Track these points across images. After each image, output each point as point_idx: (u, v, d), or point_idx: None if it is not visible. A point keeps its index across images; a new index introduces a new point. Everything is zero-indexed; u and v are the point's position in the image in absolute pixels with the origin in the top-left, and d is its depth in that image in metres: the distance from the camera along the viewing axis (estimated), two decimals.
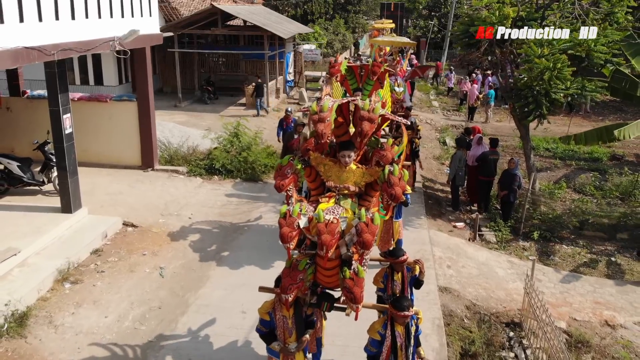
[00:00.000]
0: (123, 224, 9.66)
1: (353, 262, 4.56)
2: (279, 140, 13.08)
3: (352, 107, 5.00)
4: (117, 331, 6.82)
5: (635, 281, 9.31)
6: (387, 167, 4.63)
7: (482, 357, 6.78)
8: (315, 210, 4.49)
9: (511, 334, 7.40)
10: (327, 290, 5.09)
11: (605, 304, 8.46)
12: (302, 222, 4.39)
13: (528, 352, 7.01)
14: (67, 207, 9.31)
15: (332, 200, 4.75)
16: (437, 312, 7.39)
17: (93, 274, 8.07)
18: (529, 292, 7.30)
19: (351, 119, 5.04)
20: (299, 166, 4.81)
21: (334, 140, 5.07)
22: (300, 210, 4.39)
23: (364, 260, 4.66)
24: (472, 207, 11.68)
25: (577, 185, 13.71)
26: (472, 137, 12.13)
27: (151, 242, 9.19)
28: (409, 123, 7.88)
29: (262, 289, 5.35)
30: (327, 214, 4.40)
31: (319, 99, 4.78)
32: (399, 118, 5.60)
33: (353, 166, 4.84)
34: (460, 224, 10.92)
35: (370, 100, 4.69)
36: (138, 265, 8.41)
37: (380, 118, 4.82)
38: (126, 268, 8.31)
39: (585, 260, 9.98)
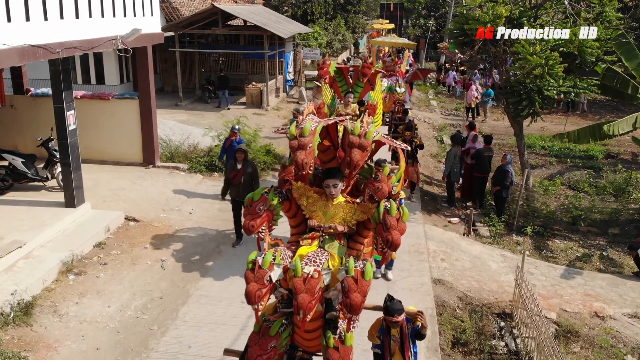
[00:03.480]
0: (125, 218, 9.87)
1: (339, 322, 3.75)
2: (220, 164, 11.77)
3: (340, 130, 4.23)
4: (120, 320, 7.05)
5: (626, 274, 9.53)
6: (383, 204, 3.78)
7: (473, 346, 6.99)
8: (293, 256, 3.70)
9: (502, 323, 7.60)
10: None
11: (595, 296, 8.66)
12: (276, 274, 3.52)
13: (518, 340, 7.22)
14: (71, 201, 9.50)
15: (316, 242, 3.93)
16: (430, 303, 7.61)
17: (96, 266, 8.30)
18: (519, 283, 7.51)
19: (340, 142, 4.26)
20: (275, 201, 3.91)
21: (319, 168, 4.27)
22: (274, 259, 3.54)
23: (353, 323, 3.65)
24: (467, 204, 11.89)
25: (572, 182, 13.91)
26: (467, 134, 12.33)
27: (153, 236, 9.41)
28: (408, 148, 6.88)
29: (227, 352, 4.48)
30: (306, 264, 3.51)
31: (298, 120, 3.93)
32: (397, 143, 4.71)
33: (342, 199, 4.04)
34: (455, 219, 11.13)
35: (362, 123, 3.89)
36: (140, 258, 8.64)
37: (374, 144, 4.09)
38: (128, 260, 8.53)
39: (578, 255, 10.18)
